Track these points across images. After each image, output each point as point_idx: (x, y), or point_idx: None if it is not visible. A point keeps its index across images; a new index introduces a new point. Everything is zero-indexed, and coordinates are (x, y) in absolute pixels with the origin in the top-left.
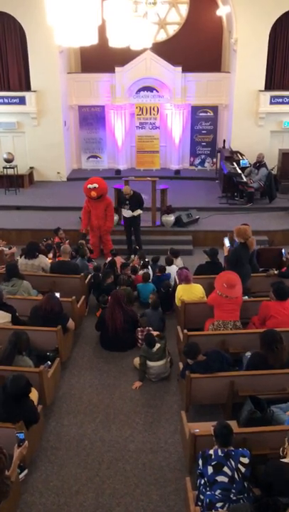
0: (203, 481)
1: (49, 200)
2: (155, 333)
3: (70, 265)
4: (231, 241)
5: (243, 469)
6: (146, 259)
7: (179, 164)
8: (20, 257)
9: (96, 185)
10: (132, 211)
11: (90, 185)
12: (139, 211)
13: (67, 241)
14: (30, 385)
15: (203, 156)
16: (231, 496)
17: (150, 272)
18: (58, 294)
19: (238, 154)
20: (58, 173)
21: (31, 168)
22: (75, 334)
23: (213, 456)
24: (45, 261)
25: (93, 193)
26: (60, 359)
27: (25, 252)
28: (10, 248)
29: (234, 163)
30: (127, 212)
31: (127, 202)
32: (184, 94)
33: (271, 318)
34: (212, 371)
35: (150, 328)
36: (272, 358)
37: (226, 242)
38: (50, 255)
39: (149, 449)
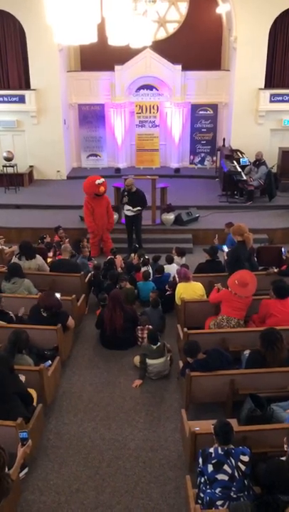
0: (203, 479)
1: (49, 198)
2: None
3: (70, 264)
4: (221, 242)
5: (243, 467)
6: (147, 257)
7: (179, 162)
8: (17, 258)
9: (103, 179)
10: (133, 207)
11: (98, 181)
12: (138, 208)
13: (67, 239)
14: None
15: (203, 155)
16: (231, 494)
17: (150, 270)
18: (58, 295)
19: (238, 152)
20: (58, 171)
21: (31, 166)
22: (75, 333)
23: (213, 455)
24: (40, 262)
25: (102, 188)
26: (61, 357)
27: (22, 254)
28: (10, 247)
29: (234, 162)
30: (128, 211)
31: (126, 194)
32: (184, 92)
33: (271, 317)
34: (212, 369)
35: (150, 327)
36: (271, 357)
37: (225, 248)
38: (51, 254)
39: (149, 447)
